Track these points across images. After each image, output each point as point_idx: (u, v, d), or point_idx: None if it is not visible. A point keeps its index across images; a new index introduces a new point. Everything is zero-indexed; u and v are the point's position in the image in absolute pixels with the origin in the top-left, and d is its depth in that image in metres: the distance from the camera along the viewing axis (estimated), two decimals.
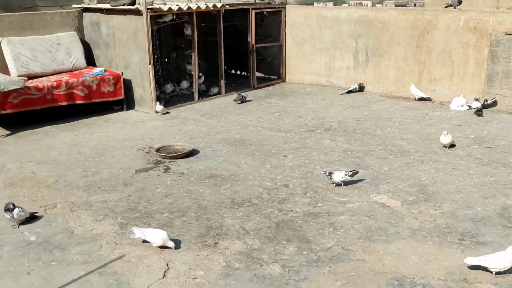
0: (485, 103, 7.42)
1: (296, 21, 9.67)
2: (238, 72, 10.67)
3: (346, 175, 4.85)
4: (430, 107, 7.83)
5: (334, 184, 4.91)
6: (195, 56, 8.38)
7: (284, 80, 10.08)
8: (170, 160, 5.79)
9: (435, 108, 7.79)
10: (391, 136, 6.46)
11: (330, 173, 4.88)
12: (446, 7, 8.06)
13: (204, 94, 8.90)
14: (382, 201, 4.60)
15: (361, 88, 8.91)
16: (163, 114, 7.78)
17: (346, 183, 4.93)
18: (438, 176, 5.14)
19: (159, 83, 8.26)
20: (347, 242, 3.92)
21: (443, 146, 5.92)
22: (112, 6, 7.90)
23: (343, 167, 5.42)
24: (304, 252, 3.79)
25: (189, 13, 8.12)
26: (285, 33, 9.86)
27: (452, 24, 7.84)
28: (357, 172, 4.95)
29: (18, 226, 4.25)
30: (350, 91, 8.77)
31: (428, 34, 8.10)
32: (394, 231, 4.07)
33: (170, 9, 7.78)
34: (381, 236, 3.99)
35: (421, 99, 8.13)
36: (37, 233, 4.16)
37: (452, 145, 5.95)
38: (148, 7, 7.44)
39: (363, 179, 5.08)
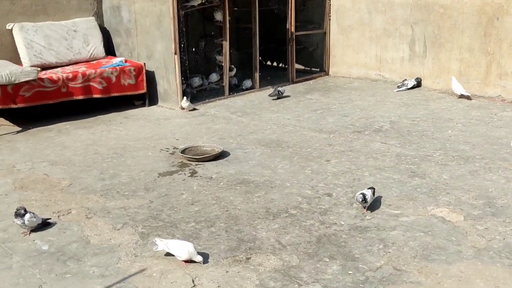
0: None
1: (342, 5, 9.62)
2: (275, 63, 10.69)
3: (373, 193, 4.67)
4: (499, 106, 7.66)
5: (366, 209, 4.66)
6: (226, 45, 8.45)
7: (327, 73, 10.04)
8: (197, 162, 5.86)
9: (505, 107, 7.62)
10: (452, 140, 6.35)
11: (364, 197, 4.57)
12: None
13: (235, 88, 8.96)
14: (441, 215, 4.53)
15: (418, 83, 8.80)
16: (190, 110, 7.87)
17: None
18: (509, 187, 5.01)
19: (186, 75, 8.37)
20: (400, 262, 3.87)
21: None
22: None
23: (395, 174, 5.36)
24: (350, 272, 3.77)
25: None
26: (330, 19, 9.82)
27: None
28: (374, 188, 4.75)
29: (29, 233, 4.38)
30: (410, 88, 8.66)
31: (498, 20, 7.91)
32: (456, 250, 4.00)
33: None
34: (440, 256, 3.93)
35: (461, 96, 8.03)
36: (49, 241, 4.28)
37: None
38: None
39: (419, 189, 5.01)
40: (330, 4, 9.73)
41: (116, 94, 7.87)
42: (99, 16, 8.73)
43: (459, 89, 8.05)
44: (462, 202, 4.75)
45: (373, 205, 4.73)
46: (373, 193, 4.70)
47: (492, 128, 6.73)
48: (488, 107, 7.65)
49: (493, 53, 8.05)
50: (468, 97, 8.02)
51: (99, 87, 7.69)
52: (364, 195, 4.59)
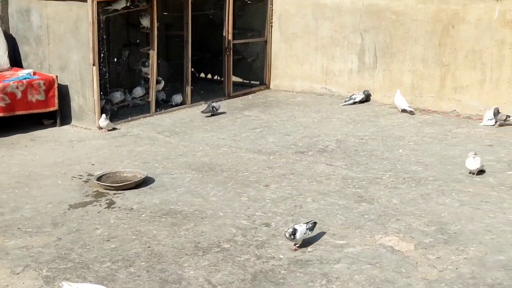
0: (507, 119, 7.52)
1: (286, 11, 9.78)
2: (209, 76, 10.71)
3: (307, 229, 4.63)
4: (454, 122, 7.94)
5: (297, 245, 4.63)
6: (153, 54, 8.42)
7: (268, 87, 10.13)
8: (115, 191, 5.78)
9: (460, 123, 7.90)
10: (403, 160, 6.52)
11: (294, 232, 4.52)
12: None
13: (163, 104, 8.91)
14: (390, 244, 4.62)
15: (367, 97, 8.99)
16: (109, 130, 7.78)
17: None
18: (463, 212, 5.18)
19: (105, 90, 8.27)
20: None
21: (470, 173, 5.99)
22: None
23: (341, 200, 5.45)
24: None
25: None
26: (271, 26, 9.94)
27: (484, 17, 7.97)
28: (316, 223, 4.76)
29: None
30: (358, 102, 8.86)
31: (453, 28, 8.22)
32: (405, 283, 4.08)
33: None
34: None
35: (403, 111, 8.35)
36: None
37: (481, 171, 6.02)
38: None
39: (367, 216, 5.11)
40: (272, 9, 9.86)
41: (21, 113, 7.68)
42: (4, 21, 8.55)
43: (401, 103, 8.33)
44: (413, 229, 4.87)
45: (315, 236, 4.76)
46: (312, 229, 4.66)
47: (446, 146, 6.96)
48: (443, 123, 7.93)
49: (448, 64, 8.35)
50: (411, 112, 8.29)
51: (1, 104, 7.49)
52: (294, 230, 4.50)
